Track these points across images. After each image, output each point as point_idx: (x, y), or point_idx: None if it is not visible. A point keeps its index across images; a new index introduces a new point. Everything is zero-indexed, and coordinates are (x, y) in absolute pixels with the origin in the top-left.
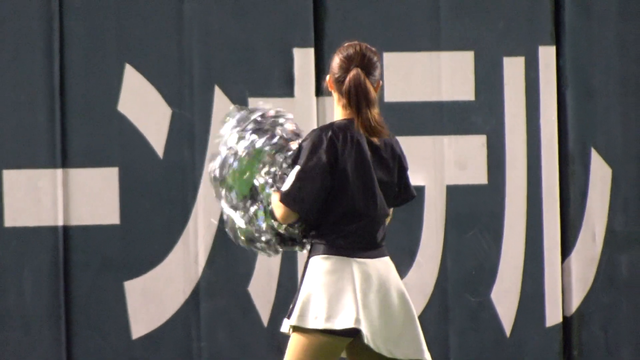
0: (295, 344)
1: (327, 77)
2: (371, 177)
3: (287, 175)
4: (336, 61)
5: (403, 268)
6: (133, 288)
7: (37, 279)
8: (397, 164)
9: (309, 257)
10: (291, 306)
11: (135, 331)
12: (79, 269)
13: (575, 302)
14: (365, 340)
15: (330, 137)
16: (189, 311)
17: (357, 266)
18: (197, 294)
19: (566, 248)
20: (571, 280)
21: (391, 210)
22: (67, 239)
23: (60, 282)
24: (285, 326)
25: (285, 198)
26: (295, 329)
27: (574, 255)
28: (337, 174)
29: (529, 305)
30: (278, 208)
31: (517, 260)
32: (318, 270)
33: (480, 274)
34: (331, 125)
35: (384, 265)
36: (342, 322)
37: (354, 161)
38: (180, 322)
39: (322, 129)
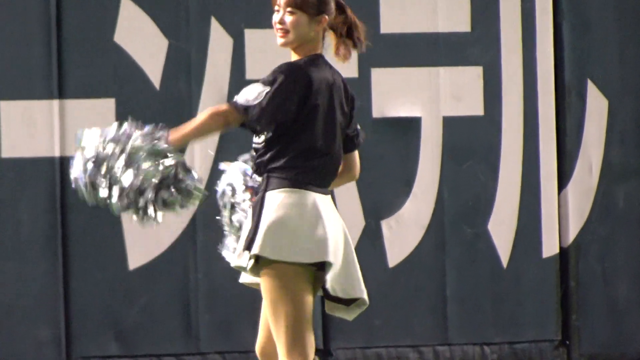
0: (271, 280)
1: (321, 17)
2: (334, 117)
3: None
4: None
5: (399, 199)
6: (130, 219)
7: (34, 209)
8: (350, 107)
9: (264, 192)
10: (247, 239)
11: (132, 262)
12: (76, 200)
13: (572, 233)
14: (328, 278)
15: (308, 73)
16: (186, 242)
17: (319, 201)
18: (193, 225)
19: (563, 179)
20: (568, 212)
21: (357, 170)
22: (64, 170)
23: (57, 213)
24: (244, 259)
25: (238, 103)
26: (263, 263)
27: (571, 187)
28: (306, 110)
29: (525, 237)
30: (220, 111)
31: (514, 191)
32: (280, 203)
33: (476, 205)
34: (310, 61)
35: (332, 204)
36: (313, 254)
37: (325, 100)
38: (177, 254)
39: (302, 65)
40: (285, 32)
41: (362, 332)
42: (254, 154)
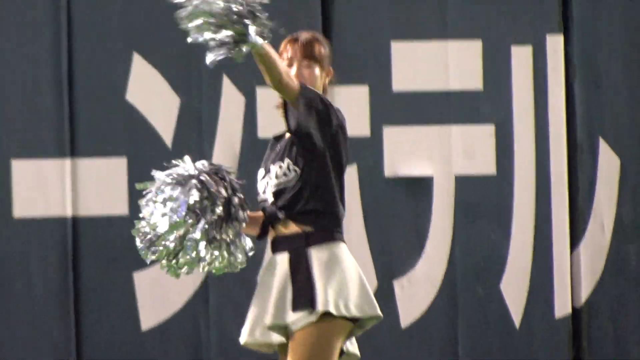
0: (318, 335)
1: (329, 70)
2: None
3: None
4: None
5: (412, 259)
6: (142, 279)
7: (45, 270)
8: None
9: (307, 246)
10: (304, 291)
11: (145, 322)
12: (88, 260)
13: (584, 293)
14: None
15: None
16: (198, 302)
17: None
18: (206, 285)
19: (575, 238)
20: (580, 271)
21: None
22: (76, 230)
23: (69, 273)
24: (303, 318)
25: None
26: (321, 318)
27: (583, 246)
28: (335, 148)
29: (538, 296)
30: (292, 77)
31: (526, 250)
32: (329, 256)
33: (489, 265)
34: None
35: None
36: (373, 308)
37: (346, 146)
38: (189, 314)
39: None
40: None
41: None
42: (270, 196)
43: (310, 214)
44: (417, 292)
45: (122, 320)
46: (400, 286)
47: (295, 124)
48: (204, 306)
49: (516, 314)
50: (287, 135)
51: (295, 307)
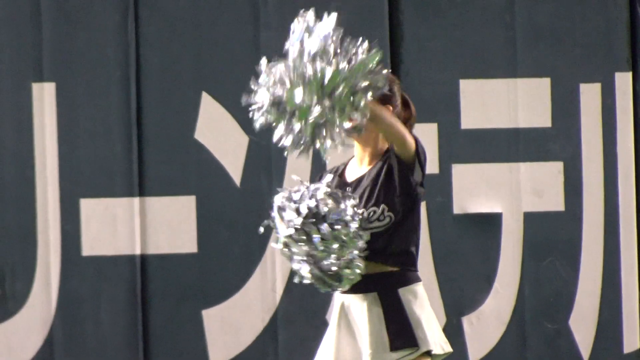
0: None
1: (389, 106)
2: None
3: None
4: (397, 91)
5: (480, 295)
6: (211, 317)
7: (114, 308)
8: None
9: (397, 285)
10: (403, 331)
11: None
12: (157, 298)
13: None
14: None
15: None
16: (267, 340)
17: None
18: (275, 323)
19: None
20: None
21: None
22: (145, 268)
23: (138, 311)
24: (403, 358)
25: (418, 141)
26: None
27: None
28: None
29: (606, 332)
30: (409, 135)
31: (595, 287)
32: (416, 295)
33: (557, 301)
34: None
35: None
36: (448, 344)
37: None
38: (258, 351)
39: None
40: (356, 124)
41: None
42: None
43: (398, 255)
44: (486, 328)
45: (191, 357)
46: (469, 322)
47: (416, 181)
48: (273, 344)
49: (585, 350)
50: (372, 175)
51: (395, 347)
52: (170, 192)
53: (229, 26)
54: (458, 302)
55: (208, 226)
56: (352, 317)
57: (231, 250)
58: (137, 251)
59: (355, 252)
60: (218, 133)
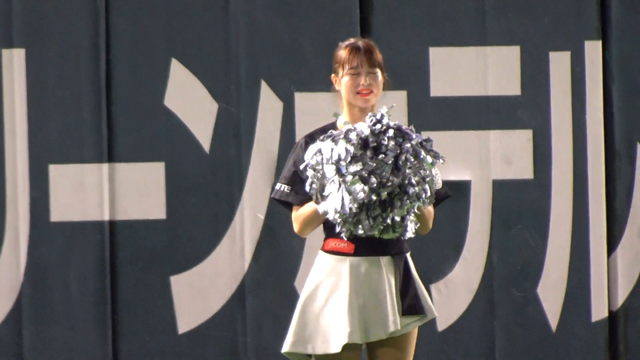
0: (415, 338)
1: (383, 66)
2: None
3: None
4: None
5: (449, 263)
6: (179, 283)
7: (83, 274)
8: None
9: (406, 252)
10: (417, 299)
11: (182, 326)
12: (125, 264)
13: (621, 297)
14: None
15: None
16: (235, 306)
17: None
18: (243, 289)
19: (612, 243)
20: (617, 275)
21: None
22: (113, 234)
23: (107, 277)
24: (414, 323)
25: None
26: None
27: (620, 250)
28: None
29: (574, 300)
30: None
31: (563, 255)
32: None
33: (526, 269)
34: None
35: None
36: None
37: None
38: (226, 318)
39: None
40: (371, 92)
41: None
42: None
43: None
44: (454, 296)
45: (158, 323)
46: (437, 290)
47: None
48: (241, 310)
49: (553, 318)
50: None
51: (409, 313)
52: (139, 159)
53: None
54: (426, 270)
55: (177, 193)
56: (371, 281)
57: (200, 217)
58: (106, 217)
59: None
60: (187, 100)
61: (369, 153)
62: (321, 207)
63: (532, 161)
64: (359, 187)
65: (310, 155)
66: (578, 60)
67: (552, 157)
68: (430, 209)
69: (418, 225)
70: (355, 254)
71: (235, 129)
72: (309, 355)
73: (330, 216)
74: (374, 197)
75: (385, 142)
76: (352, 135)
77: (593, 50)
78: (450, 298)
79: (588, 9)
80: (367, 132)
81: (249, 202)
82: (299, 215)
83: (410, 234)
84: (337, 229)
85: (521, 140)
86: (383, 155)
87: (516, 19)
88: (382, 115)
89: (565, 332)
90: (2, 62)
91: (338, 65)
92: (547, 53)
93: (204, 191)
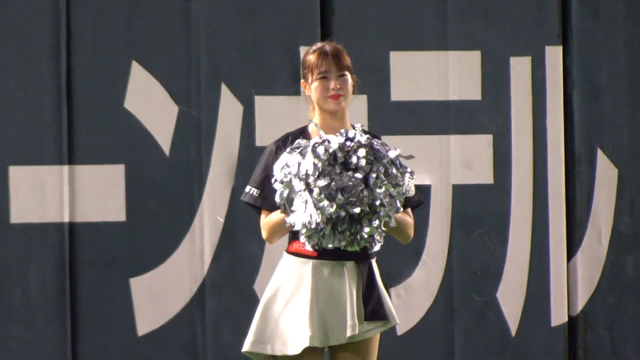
0: (376, 344)
1: (351, 69)
2: None
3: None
4: None
5: (409, 267)
6: (139, 285)
7: (42, 275)
8: None
9: (371, 258)
10: (380, 306)
11: (141, 328)
12: (85, 266)
13: (581, 302)
14: None
15: None
16: (194, 309)
17: None
18: (202, 292)
19: (572, 248)
20: (577, 280)
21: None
22: (73, 236)
23: (66, 279)
24: (377, 329)
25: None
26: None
27: (580, 255)
28: None
29: (534, 305)
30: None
31: (523, 259)
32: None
33: (485, 274)
34: None
35: None
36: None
37: None
38: (186, 320)
39: None
40: (341, 96)
41: None
42: None
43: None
44: (414, 300)
45: (118, 325)
46: (397, 294)
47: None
48: (201, 312)
49: (513, 322)
50: None
51: (371, 319)
52: (99, 161)
53: None
54: (386, 274)
55: (137, 195)
56: (332, 285)
57: (160, 219)
58: (66, 219)
59: (388, 215)
60: (148, 102)
61: (337, 168)
62: (289, 219)
63: (492, 166)
64: (327, 202)
65: (278, 169)
66: (539, 65)
67: (512, 162)
68: (408, 218)
69: (397, 235)
70: (319, 257)
71: (195, 131)
72: (274, 356)
73: (297, 228)
74: (342, 213)
75: (356, 161)
76: (320, 150)
77: (554, 55)
78: (409, 302)
79: (549, 14)
80: (335, 147)
81: (209, 204)
82: (267, 222)
83: (377, 247)
84: (302, 240)
85: (481, 144)
86: (352, 172)
87: (477, 24)
88: (355, 134)
89: (525, 337)
90: None
91: (307, 70)
92: (508, 58)
93: (164, 193)
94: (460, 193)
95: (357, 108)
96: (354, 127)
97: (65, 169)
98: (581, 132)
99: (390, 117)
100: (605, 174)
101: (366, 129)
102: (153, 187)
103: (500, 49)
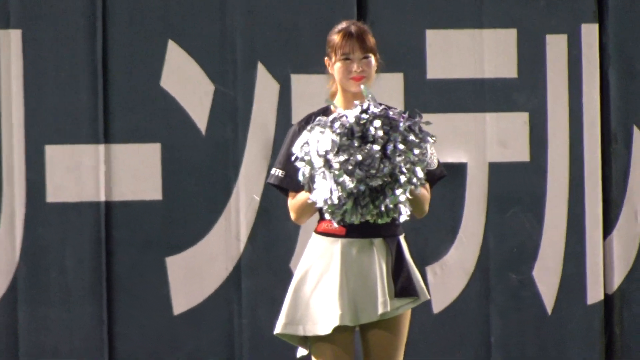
0: (407, 321)
1: (376, 50)
2: None
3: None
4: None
5: (444, 245)
6: (175, 264)
7: (79, 255)
8: None
9: (399, 235)
10: (409, 282)
11: (177, 307)
12: (121, 245)
13: (617, 280)
14: None
15: None
16: (230, 288)
17: None
18: (238, 271)
19: (608, 226)
20: (612, 259)
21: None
22: (109, 215)
23: (102, 258)
24: (407, 305)
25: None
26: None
27: (616, 234)
28: None
29: (570, 284)
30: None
31: (559, 238)
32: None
33: (522, 252)
34: None
35: None
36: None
37: None
38: (221, 299)
39: None
40: (363, 77)
41: None
42: None
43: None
44: (450, 278)
45: (154, 304)
46: (433, 272)
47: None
48: (237, 292)
49: (548, 301)
50: None
51: (401, 295)
52: (135, 140)
53: None
54: (422, 252)
55: (173, 174)
56: (362, 263)
57: (195, 198)
58: (102, 198)
59: (412, 182)
60: (184, 81)
61: (355, 142)
62: (312, 197)
63: (528, 144)
64: (346, 177)
65: (299, 147)
66: (575, 43)
67: (548, 140)
68: (424, 192)
69: (412, 208)
70: (347, 235)
71: (231, 110)
72: (305, 337)
73: (320, 205)
74: (362, 187)
75: (373, 132)
76: (337, 125)
77: (590, 33)
78: (445, 280)
79: None
80: (352, 121)
81: (244, 184)
82: (294, 203)
83: (404, 217)
84: (327, 217)
85: (517, 123)
86: (370, 145)
87: (513, 2)
88: (369, 104)
89: (561, 315)
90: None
91: (331, 50)
92: (543, 36)
93: (200, 173)
94: (497, 171)
95: (393, 86)
96: (368, 100)
97: (102, 147)
98: (617, 110)
99: (427, 96)
100: None
101: (375, 100)
102: (189, 166)
103: (535, 27)
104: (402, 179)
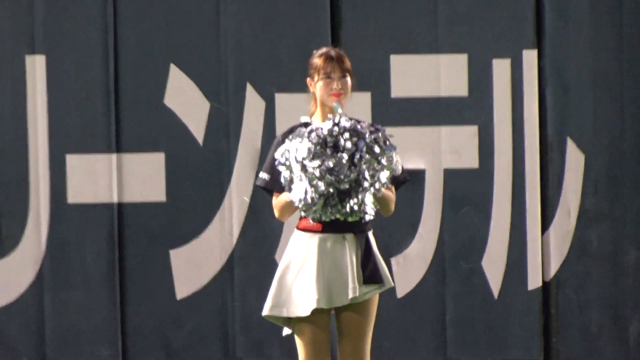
0: (375, 306)
1: (352, 71)
2: None
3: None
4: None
5: (407, 239)
6: (177, 256)
7: (95, 248)
8: None
9: (368, 231)
10: (376, 271)
11: (180, 293)
12: (131, 240)
13: (553, 269)
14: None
15: None
16: (224, 276)
17: None
18: (231, 262)
19: (545, 223)
20: (549, 251)
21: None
22: (121, 215)
23: (115, 251)
24: (374, 290)
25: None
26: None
27: (552, 229)
28: None
29: (513, 272)
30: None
31: (504, 232)
32: (372, 238)
33: (472, 245)
34: None
35: None
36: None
37: None
38: (217, 286)
39: None
40: (341, 94)
41: (373, 353)
42: None
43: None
44: (411, 268)
45: (160, 290)
46: (397, 262)
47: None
48: (230, 280)
49: (495, 286)
50: None
51: (369, 282)
52: (143, 149)
53: (194, 8)
54: (387, 245)
55: (175, 179)
56: (335, 254)
57: (195, 200)
58: (115, 200)
59: (379, 182)
60: (184, 99)
61: (328, 151)
62: (289, 196)
63: (477, 153)
64: (318, 181)
65: (280, 154)
66: (517, 66)
67: (495, 150)
68: (390, 194)
69: (377, 207)
70: (323, 231)
71: (225, 124)
72: (288, 318)
73: (296, 205)
74: (331, 190)
75: (343, 143)
76: (313, 136)
77: (530, 57)
78: (407, 269)
79: (525, 22)
80: (325, 132)
81: (236, 187)
82: (277, 203)
83: (369, 216)
84: (302, 214)
85: (468, 135)
86: (341, 153)
87: (464, 31)
88: (340, 119)
89: (506, 299)
90: (26, 67)
91: (314, 71)
92: (490, 60)
93: (198, 178)
94: (450, 176)
95: (362, 104)
96: (339, 115)
97: (114, 156)
98: (553, 123)
99: (391, 112)
100: (574, 159)
101: (346, 115)
102: (189, 172)
103: (483, 52)
104: (365, 184)
